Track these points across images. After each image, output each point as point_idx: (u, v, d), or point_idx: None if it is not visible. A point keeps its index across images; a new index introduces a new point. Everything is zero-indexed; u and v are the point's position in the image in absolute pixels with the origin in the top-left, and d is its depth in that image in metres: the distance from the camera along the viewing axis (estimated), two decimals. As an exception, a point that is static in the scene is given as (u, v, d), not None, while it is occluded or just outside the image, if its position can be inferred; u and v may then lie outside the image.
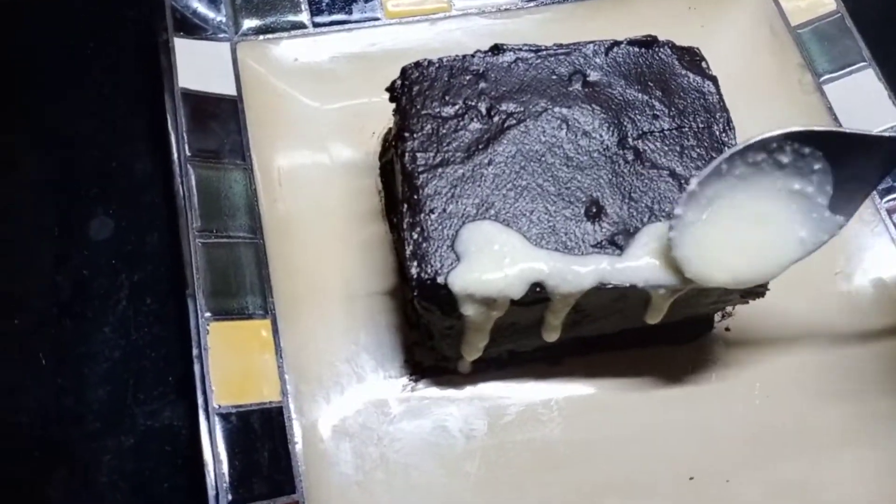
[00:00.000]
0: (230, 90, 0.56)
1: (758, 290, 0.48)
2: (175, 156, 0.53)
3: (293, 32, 0.59)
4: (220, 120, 0.55)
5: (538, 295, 0.45)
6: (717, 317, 0.55)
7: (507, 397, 0.52)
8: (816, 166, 0.44)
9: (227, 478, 0.45)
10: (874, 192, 0.58)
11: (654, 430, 0.52)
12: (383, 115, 0.55)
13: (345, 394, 0.50)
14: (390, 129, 0.58)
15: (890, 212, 0.58)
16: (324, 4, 0.60)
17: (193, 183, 0.52)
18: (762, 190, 0.45)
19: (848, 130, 0.45)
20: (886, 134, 0.46)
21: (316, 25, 0.60)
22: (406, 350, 0.52)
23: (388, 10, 0.61)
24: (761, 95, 0.62)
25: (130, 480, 0.48)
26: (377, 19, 0.61)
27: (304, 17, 0.60)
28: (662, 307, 0.48)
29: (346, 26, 0.60)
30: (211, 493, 0.45)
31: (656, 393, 0.53)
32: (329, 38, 0.60)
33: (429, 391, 0.51)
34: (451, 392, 0.51)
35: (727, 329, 0.55)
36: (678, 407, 0.53)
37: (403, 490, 0.48)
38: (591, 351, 0.53)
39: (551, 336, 0.49)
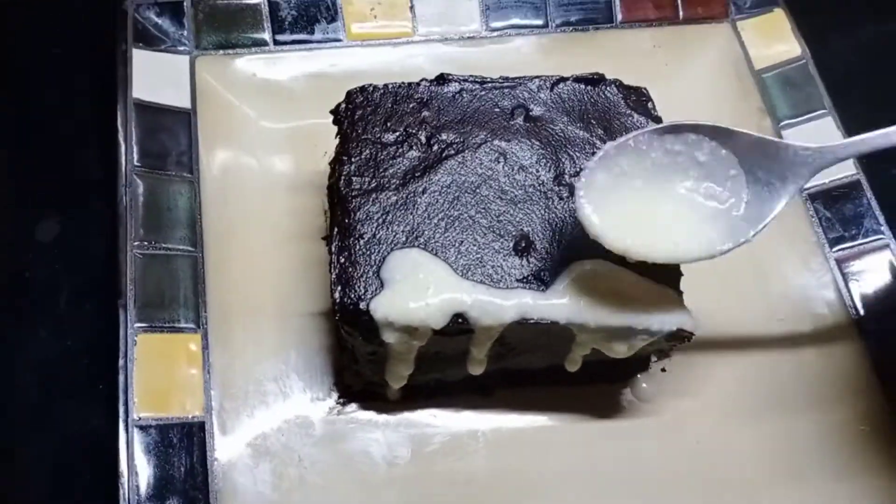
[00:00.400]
0: (185, 103, 0.57)
1: (683, 335, 0.47)
2: (122, 164, 0.53)
3: (253, 49, 0.60)
4: (172, 132, 0.56)
5: (460, 326, 0.45)
6: (653, 356, 0.55)
7: (433, 426, 0.52)
8: (732, 172, 0.45)
9: (141, 490, 0.46)
10: (825, 243, 0.58)
11: (580, 467, 0.51)
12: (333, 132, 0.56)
13: (269, 413, 0.50)
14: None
15: (839, 261, 0.58)
16: (286, 23, 0.61)
17: (140, 192, 0.53)
18: (678, 183, 0.45)
19: (758, 135, 0.45)
20: (799, 143, 0.45)
21: (277, 43, 0.61)
22: (336, 373, 0.52)
23: (350, 31, 0.62)
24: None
25: (48, 482, 0.49)
26: (339, 40, 0.62)
27: (265, 34, 0.61)
28: (586, 345, 0.48)
29: (308, 45, 0.61)
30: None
31: (586, 430, 0.53)
32: (289, 56, 0.61)
33: (355, 415, 0.51)
34: (377, 417, 0.51)
35: (663, 370, 0.55)
36: (606, 445, 0.52)
37: (320, 512, 0.48)
38: (522, 384, 0.53)
39: (476, 369, 0.49)
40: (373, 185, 0.48)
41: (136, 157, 0.54)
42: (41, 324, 0.53)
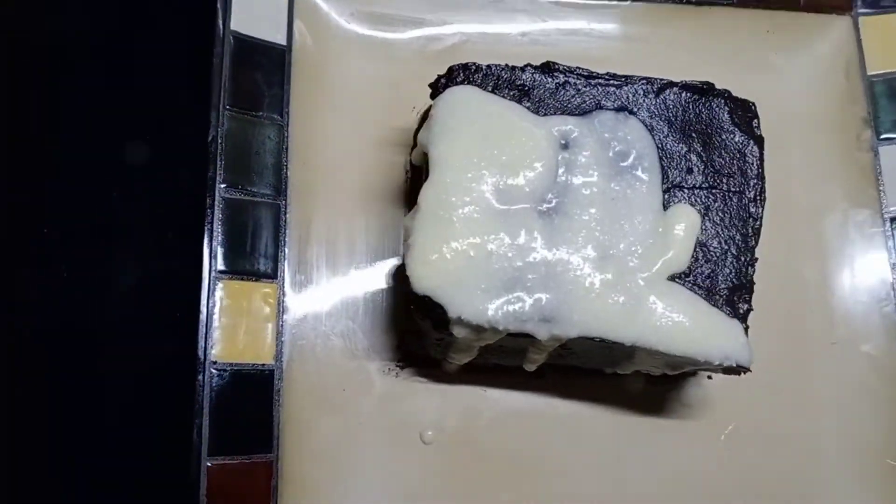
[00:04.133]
0: (281, 40, 0.56)
1: (740, 369, 0.49)
2: (214, 102, 0.53)
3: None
4: (265, 70, 0.55)
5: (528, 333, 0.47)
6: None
7: (484, 400, 0.54)
8: None
9: (212, 429, 0.49)
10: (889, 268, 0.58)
11: (615, 457, 0.54)
12: (428, 92, 0.55)
13: (334, 367, 0.53)
14: (431, 107, 0.58)
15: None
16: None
17: (229, 133, 0.53)
18: None
19: None
20: None
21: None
22: (399, 335, 0.55)
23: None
24: (815, 137, 0.61)
25: (124, 411, 0.53)
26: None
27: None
28: (644, 363, 0.50)
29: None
30: (195, 440, 0.49)
31: (628, 421, 0.55)
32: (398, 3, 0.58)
33: (412, 379, 0.54)
34: (432, 385, 0.54)
35: (709, 377, 0.57)
36: (646, 438, 0.55)
37: (370, 468, 0.52)
38: (573, 370, 0.55)
39: (531, 367, 0.51)
40: (463, 174, 0.48)
41: (228, 94, 0.53)
42: (125, 247, 0.55)
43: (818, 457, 0.55)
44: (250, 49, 0.54)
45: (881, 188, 0.59)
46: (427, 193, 0.47)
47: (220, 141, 0.53)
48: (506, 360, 0.53)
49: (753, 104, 0.51)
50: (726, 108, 0.51)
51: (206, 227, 0.52)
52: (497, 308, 0.46)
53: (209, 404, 0.50)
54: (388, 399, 0.54)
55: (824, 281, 0.58)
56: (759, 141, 0.51)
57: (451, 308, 0.45)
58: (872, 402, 0.56)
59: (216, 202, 0.52)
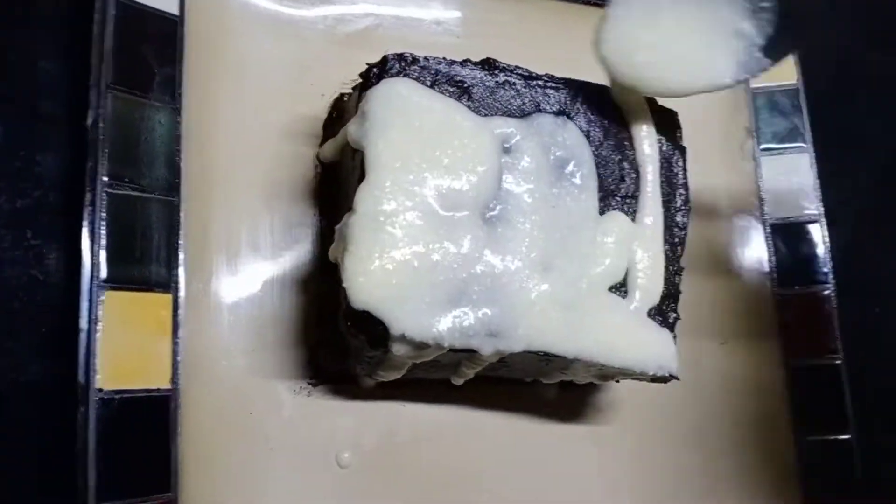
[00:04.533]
0: (173, 8, 0.48)
1: (667, 378, 0.49)
2: (95, 78, 0.44)
3: (258, -47, 0.51)
4: (155, 44, 0.47)
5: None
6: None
7: (402, 416, 0.51)
8: (764, 3, 0.45)
9: (100, 470, 0.42)
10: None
11: (539, 464, 0.54)
12: (339, 76, 0.50)
13: (238, 389, 0.47)
14: (342, 95, 0.53)
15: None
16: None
17: (112, 115, 0.45)
18: (706, 14, 0.46)
19: None
20: None
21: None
22: (309, 350, 0.49)
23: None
24: (703, 146, 0.63)
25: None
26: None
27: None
28: (577, 374, 0.49)
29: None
30: (80, 485, 0.41)
31: (545, 429, 0.54)
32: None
33: (325, 398, 0.49)
34: (347, 403, 0.50)
35: (616, 381, 0.56)
36: (563, 444, 0.55)
37: (283, 497, 0.47)
38: (491, 380, 0.53)
39: (459, 381, 0.49)
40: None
41: (110, 70, 0.45)
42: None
43: (721, 448, 0.58)
44: (138, 17, 0.46)
45: (762, 196, 0.63)
46: (364, 196, 0.42)
47: (101, 125, 0.44)
48: (432, 374, 0.49)
49: (676, 113, 0.52)
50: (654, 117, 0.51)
51: (85, 228, 0.43)
52: (443, 323, 0.42)
53: (95, 440, 0.42)
54: (300, 421, 0.48)
55: (713, 284, 0.61)
56: (682, 151, 0.51)
57: (393, 324, 0.41)
58: (755, 393, 0.59)
59: (97, 198, 0.44)
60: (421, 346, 0.43)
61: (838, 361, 0.59)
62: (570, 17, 0.59)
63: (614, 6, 0.46)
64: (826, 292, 0.61)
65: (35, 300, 0.45)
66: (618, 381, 0.55)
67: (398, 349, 0.43)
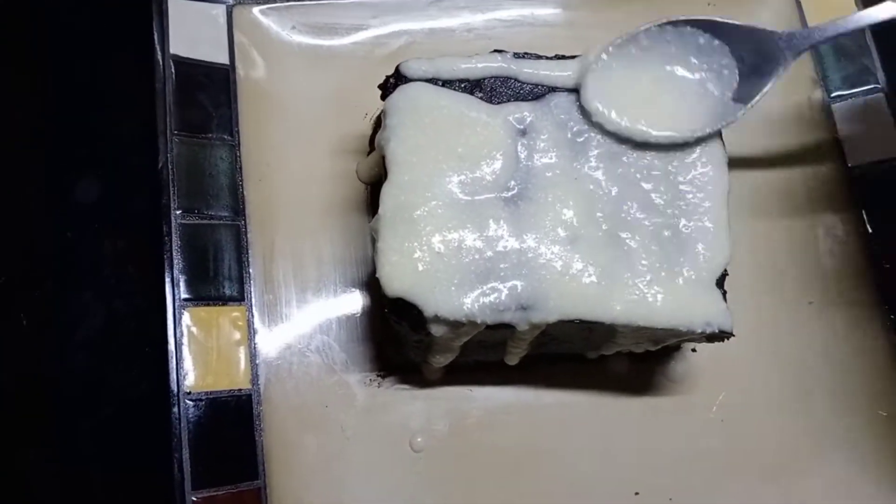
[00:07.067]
0: (223, 59, 0.55)
1: (723, 335, 0.48)
2: (161, 127, 0.52)
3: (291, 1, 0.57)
4: (210, 91, 0.54)
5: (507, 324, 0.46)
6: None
7: (470, 400, 0.53)
8: (724, 60, 0.50)
9: (192, 462, 0.48)
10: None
11: (609, 441, 0.54)
12: (378, 96, 0.54)
13: (313, 384, 0.52)
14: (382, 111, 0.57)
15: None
16: (330, -31, 0.58)
17: (180, 158, 0.52)
18: (677, 71, 0.50)
19: (747, 24, 0.50)
20: (781, 30, 0.50)
21: (322, -9, 0.58)
22: (376, 345, 0.53)
23: (393, -20, 0.59)
24: (765, 101, 0.61)
25: (101, 452, 0.50)
26: (387, -7, 0.59)
27: (307, -20, 0.58)
28: (628, 340, 0.49)
29: (355, -5, 0.58)
30: (176, 476, 0.47)
31: (617, 403, 0.54)
32: (330, 7, 0.58)
33: (395, 388, 0.53)
34: (416, 391, 0.53)
35: (693, 350, 0.56)
36: (635, 420, 0.54)
37: (361, 483, 0.51)
38: (556, 359, 0.54)
39: (513, 361, 0.50)
40: (422, 172, 0.47)
41: (174, 119, 0.52)
42: (84, 288, 0.53)
43: (809, 416, 0.55)
44: (193, 71, 0.53)
45: (841, 145, 0.60)
46: (386, 195, 0.46)
47: (170, 167, 0.51)
48: (487, 356, 0.52)
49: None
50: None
51: (164, 257, 0.50)
52: (473, 301, 0.45)
53: (188, 436, 0.48)
54: (373, 410, 0.52)
55: (794, 241, 0.58)
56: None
57: (426, 307, 0.44)
58: (857, 356, 0.56)
59: (173, 229, 0.51)
60: (456, 325, 0.45)
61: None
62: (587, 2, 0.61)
63: (597, 66, 0.49)
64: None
65: (133, 325, 0.52)
66: (678, 348, 0.54)
67: (436, 330, 0.46)
